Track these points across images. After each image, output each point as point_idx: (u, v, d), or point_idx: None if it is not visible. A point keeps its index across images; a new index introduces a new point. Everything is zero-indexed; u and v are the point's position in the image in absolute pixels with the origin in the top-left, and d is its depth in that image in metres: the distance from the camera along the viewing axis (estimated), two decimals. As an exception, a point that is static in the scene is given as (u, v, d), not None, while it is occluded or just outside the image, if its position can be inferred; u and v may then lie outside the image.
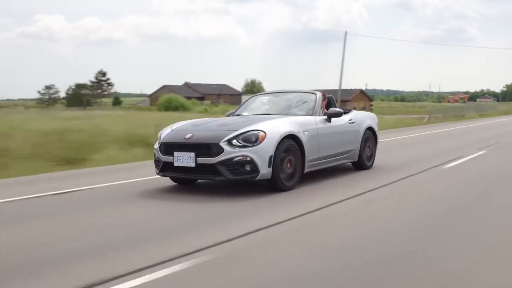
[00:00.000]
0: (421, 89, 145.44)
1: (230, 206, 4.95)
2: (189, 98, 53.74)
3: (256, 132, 5.37)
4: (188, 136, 5.61)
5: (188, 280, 2.88)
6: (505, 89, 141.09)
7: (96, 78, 64.09)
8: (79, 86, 63.58)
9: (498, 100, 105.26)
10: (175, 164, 5.54)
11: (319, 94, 6.80)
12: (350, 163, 7.35)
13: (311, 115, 6.44)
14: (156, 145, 6.00)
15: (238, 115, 7.01)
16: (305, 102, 6.81)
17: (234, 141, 5.33)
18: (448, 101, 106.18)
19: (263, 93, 8.12)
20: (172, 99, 46.87)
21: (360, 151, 7.19)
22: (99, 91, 64.42)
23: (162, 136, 5.99)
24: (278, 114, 6.60)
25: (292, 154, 5.67)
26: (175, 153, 5.55)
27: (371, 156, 7.60)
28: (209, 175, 5.44)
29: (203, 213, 4.68)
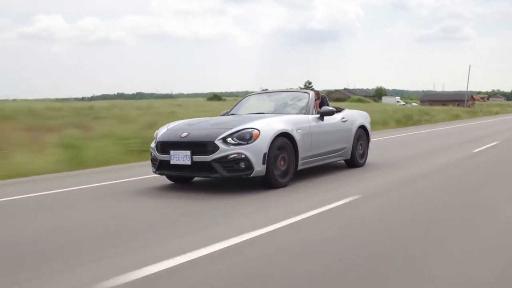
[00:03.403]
0: (425, 89, 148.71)
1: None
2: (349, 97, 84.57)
3: (250, 130, 5.86)
4: (184, 134, 6.08)
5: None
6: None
7: (305, 85, 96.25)
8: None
9: (509, 100, 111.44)
10: (172, 162, 6.02)
11: (311, 93, 7.32)
12: (343, 161, 7.86)
13: (304, 113, 6.94)
14: (153, 144, 6.47)
15: (233, 114, 7.50)
16: (298, 101, 7.32)
17: (229, 139, 5.81)
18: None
19: (257, 92, 8.61)
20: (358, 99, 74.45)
21: (352, 149, 7.71)
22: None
23: (159, 135, 6.46)
24: (272, 113, 7.10)
25: (286, 152, 6.16)
26: (172, 152, 6.02)
27: (364, 154, 8.13)
28: (204, 172, 5.92)
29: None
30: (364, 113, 8.59)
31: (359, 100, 70.33)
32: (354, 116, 8.05)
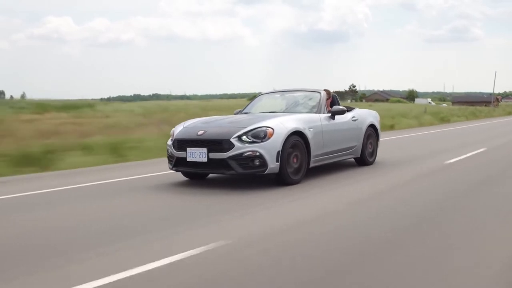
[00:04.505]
0: (435, 90, 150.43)
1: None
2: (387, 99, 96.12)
3: (264, 128, 6.11)
4: (200, 132, 6.33)
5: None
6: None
7: (349, 88, 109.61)
8: (336, 92, 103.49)
9: None
10: (188, 159, 6.27)
11: (323, 93, 7.56)
12: (353, 159, 8.10)
13: (316, 112, 7.18)
14: (169, 142, 6.72)
15: (246, 113, 7.75)
16: (310, 100, 7.57)
17: (244, 137, 6.06)
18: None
19: (269, 92, 8.82)
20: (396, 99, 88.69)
21: (362, 147, 7.95)
22: (348, 96, 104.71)
23: (175, 133, 6.71)
24: (284, 112, 7.34)
25: (298, 150, 6.41)
26: (188, 149, 6.27)
27: (373, 152, 8.37)
28: (220, 169, 6.17)
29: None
30: (374, 112, 8.82)
31: (398, 101, 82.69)
32: (364, 115, 8.28)
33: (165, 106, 35.78)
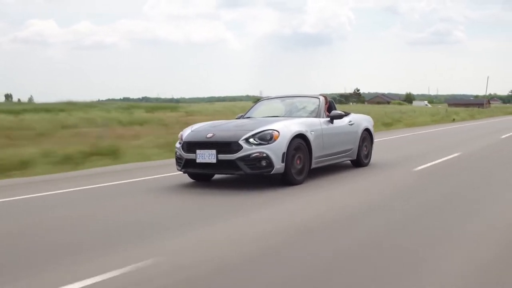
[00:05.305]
0: (420, 92, 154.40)
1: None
2: (388, 102, 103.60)
3: (271, 131, 6.55)
4: (209, 135, 6.73)
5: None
6: (511, 93, 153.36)
7: (354, 91, 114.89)
8: (342, 95, 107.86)
9: (504, 103, 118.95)
10: (198, 160, 6.65)
11: (322, 98, 8.04)
12: (350, 161, 8.58)
13: (316, 117, 7.64)
14: (178, 144, 7.11)
15: (249, 117, 8.17)
16: (309, 105, 8.03)
17: (251, 140, 6.48)
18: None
19: (270, 97, 9.26)
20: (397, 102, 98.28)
21: (358, 150, 8.45)
22: (353, 99, 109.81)
23: (184, 136, 7.09)
24: (285, 117, 7.78)
25: (301, 152, 6.86)
26: (198, 151, 6.66)
27: (368, 155, 8.89)
28: (229, 170, 6.58)
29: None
30: (368, 117, 9.35)
31: (399, 104, 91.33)
32: (359, 119, 8.79)
33: (242, 106, 38.66)
